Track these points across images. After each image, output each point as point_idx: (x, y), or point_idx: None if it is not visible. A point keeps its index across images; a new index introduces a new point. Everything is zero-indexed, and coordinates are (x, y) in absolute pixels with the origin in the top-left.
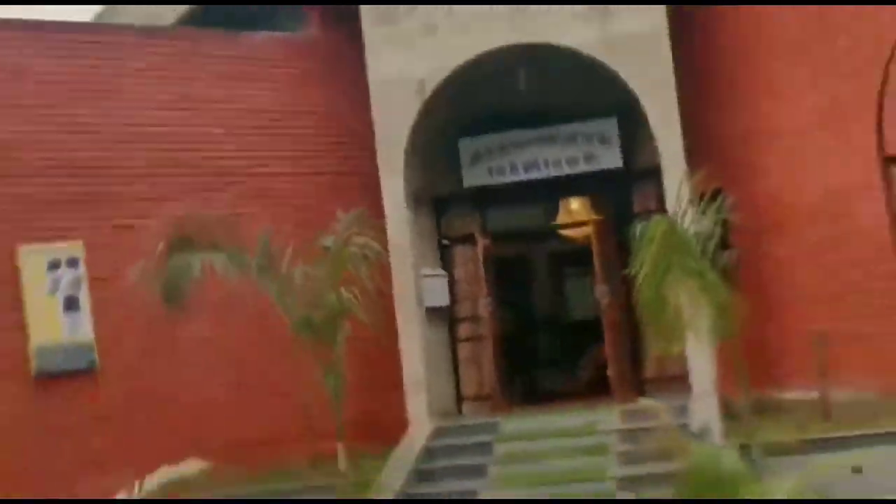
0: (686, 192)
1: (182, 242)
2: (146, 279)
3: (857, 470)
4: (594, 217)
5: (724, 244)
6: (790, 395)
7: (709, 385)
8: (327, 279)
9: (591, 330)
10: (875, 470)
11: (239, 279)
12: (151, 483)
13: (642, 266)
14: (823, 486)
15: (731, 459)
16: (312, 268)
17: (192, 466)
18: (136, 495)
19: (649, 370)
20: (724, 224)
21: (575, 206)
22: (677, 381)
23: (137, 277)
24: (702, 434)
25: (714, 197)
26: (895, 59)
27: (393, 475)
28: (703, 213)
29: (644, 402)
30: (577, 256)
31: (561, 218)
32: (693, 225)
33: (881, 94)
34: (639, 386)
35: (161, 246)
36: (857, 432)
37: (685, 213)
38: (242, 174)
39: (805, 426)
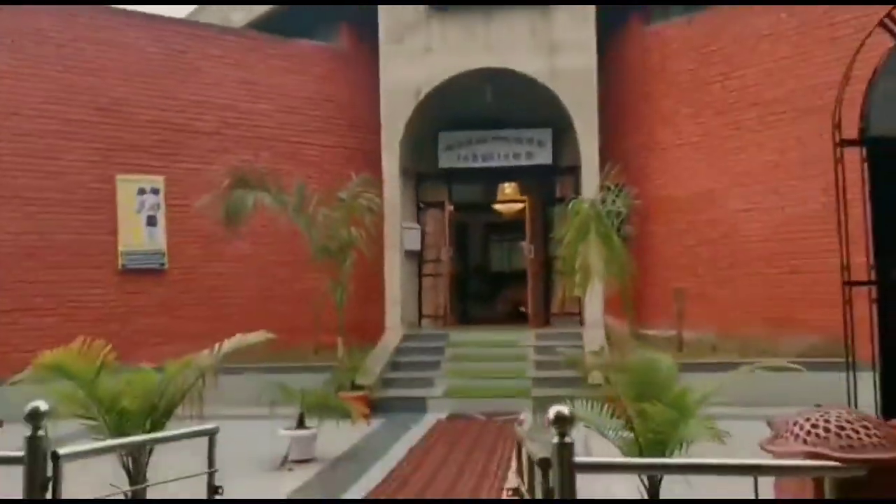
0: (603, 184)
1: (241, 182)
2: (211, 207)
3: None
4: (529, 197)
5: (625, 222)
6: (654, 331)
7: (598, 319)
8: (341, 220)
9: (504, 279)
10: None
11: (278, 214)
12: (228, 346)
13: (568, 231)
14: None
15: (667, 363)
16: (331, 212)
17: (259, 336)
18: (215, 355)
19: (554, 307)
20: (628, 207)
21: (508, 191)
22: (573, 316)
23: (204, 205)
24: (599, 352)
25: (619, 190)
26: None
27: (375, 364)
28: (616, 196)
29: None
30: (500, 227)
31: (501, 196)
32: (607, 205)
33: (841, 91)
34: (547, 318)
35: (226, 183)
36: (700, 360)
37: (603, 197)
38: (280, 140)
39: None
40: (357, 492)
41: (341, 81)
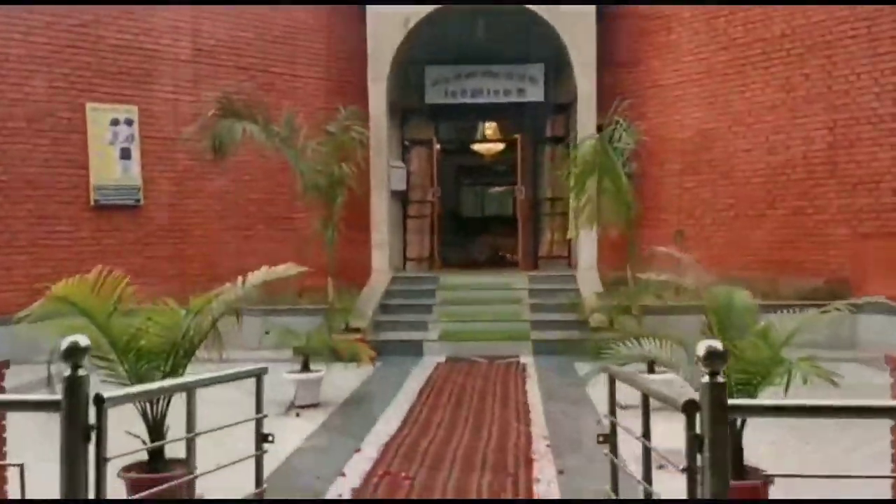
0: (612, 118)
1: (229, 111)
2: (196, 137)
3: None
4: (520, 136)
5: (630, 159)
6: (649, 275)
7: (591, 262)
8: (331, 154)
9: (475, 224)
10: None
11: (265, 146)
12: (254, 279)
13: (571, 169)
14: None
15: (742, 295)
16: (319, 145)
17: (288, 268)
18: (239, 289)
19: (542, 251)
20: (637, 144)
21: (489, 132)
22: (561, 259)
23: (190, 135)
24: (603, 294)
25: (629, 125)
26: None
27: (366, 306)
28: (625, 132)
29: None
30: (471, 171)
31: (487, 135)
32: (615, 142)
33: None
34: (535, 261)
35: (212, 112)
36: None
37: (611, 134)
38: (262, 71)
39: (662, 297)
40: (378, 436)
41: (323, 9)
